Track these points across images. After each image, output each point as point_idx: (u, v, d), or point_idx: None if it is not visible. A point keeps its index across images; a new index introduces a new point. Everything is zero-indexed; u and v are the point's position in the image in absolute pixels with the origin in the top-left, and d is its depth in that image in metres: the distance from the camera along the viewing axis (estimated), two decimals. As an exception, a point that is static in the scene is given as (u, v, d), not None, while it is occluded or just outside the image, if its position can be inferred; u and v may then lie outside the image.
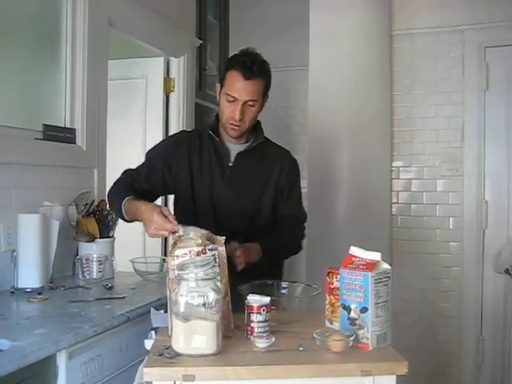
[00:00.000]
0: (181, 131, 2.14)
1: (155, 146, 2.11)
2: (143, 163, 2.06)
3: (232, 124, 1.89)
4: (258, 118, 2.00)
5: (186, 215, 1.88)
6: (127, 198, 1.83)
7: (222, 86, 1.90)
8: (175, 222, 1.58)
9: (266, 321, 1.43)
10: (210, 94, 4.02)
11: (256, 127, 2.01)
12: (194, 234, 1.49)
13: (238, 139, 1.97)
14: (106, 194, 2.05)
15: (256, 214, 1.96)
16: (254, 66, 1.83)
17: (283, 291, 1.74)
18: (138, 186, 1.95)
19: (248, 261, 1.77)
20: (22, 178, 2.21)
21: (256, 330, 1.42)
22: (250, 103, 1.85)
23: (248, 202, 1.95)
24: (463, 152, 3.37)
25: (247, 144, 1.99)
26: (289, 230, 1.99)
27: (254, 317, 1.43)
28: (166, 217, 1.60)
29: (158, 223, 1.60)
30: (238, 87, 1.83)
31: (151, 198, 1.91)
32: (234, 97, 1.84)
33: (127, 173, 2.03)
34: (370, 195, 3.21)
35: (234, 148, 1.98)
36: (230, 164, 1.97)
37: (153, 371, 1.25)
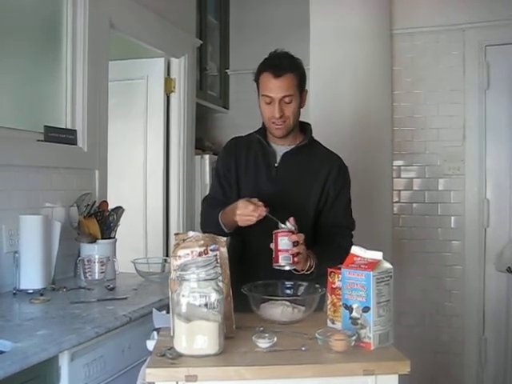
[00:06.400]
0: (232, 138, 2.18)
1: (216, 163, 2.19)
2: (212, 183, 2.17)
3: (275, 123, 1.92)
4: (309, 122, 2.06)
5: None
6: (220, 213, 1.90)
7: (258, 91, 1.94)
8: (260, 204, 1.75)
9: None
10: (211, 94, 4.03)
11: (304, 129, 2.04)
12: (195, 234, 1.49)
13: (285, 140, 1.99)
14: (200, 226, 2.08)
15: (300, 214, 1.89)
16: (282, 64, 1.87)
17: (287, 291, 1.74)
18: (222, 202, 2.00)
19: (303, 267, 1.78)
20: (23, 179, 2.21)
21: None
22: (287, 99, 1.87)
23: (293, 201, 1.94)
24: (464, 151, 3.37)
25: (294, 144, 2.00)
26: (336, 239, 1.93)
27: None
28: (249, 202, 1.76)
29: (241, 208, 1.77)
30: (271, 86, 1.87)
31: None
32: (269, 96, 1.88)
33: (206, 199, 2.13)
34: (371, 194, 3.21)
35: (281, 149, 2.00)
36: (276, 164, 1.99)
37: (155, 372, 1.25)
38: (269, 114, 1.91)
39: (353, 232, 2.03)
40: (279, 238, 1.72)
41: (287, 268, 1.73)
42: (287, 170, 1.98)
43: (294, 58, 1.94)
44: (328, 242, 1.92)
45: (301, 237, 1.73)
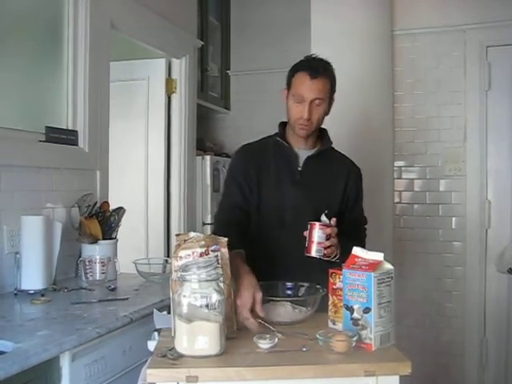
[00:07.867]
0: (242, 145, 2.12)
1: (228, 171, 2.12)
2: (227, 191, 2.05)
3: (300, 124, 1.92)
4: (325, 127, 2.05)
5: (260, 224, 1.97)
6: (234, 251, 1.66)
7: (288, 90, 1.95)
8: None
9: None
10: (212, 95, 4.03)
11: (323, 134, 2.06)
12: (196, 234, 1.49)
13: (306, 144, 2.00)
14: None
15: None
16: (319, 66, 1.90)
17: (288, 292, 1.74)
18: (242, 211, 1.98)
19: (335, 255, 1.82)
20: (24, 179, 2.21)
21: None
22: (317, 102, 1.89)
23: (316, 203, 1.96)
24: (466, 152, 3.37)
25: (316, 149, 2.02)
26: (354, 234, 1.96)
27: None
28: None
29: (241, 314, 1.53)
30: (305, 86, 1.88)
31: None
32: (301, 95, 1.88)
33: (223, 211, 2.01)
34: (372, 195, 3.19)
35: (303, 153, 2.01)
36: (300, 168, 2.00)
37: (156, 372, 1.25)
38: (296, 115, 1.92)
39: (365, 226, 2.15)
40: (314, 230, 1.78)
41: (317, 257, 1.80)
42: (310, 174, 2.00)
43: (330, 64, 1.96)
44: (349, 235, 1.92)
45: (334, 230, 1.79)
